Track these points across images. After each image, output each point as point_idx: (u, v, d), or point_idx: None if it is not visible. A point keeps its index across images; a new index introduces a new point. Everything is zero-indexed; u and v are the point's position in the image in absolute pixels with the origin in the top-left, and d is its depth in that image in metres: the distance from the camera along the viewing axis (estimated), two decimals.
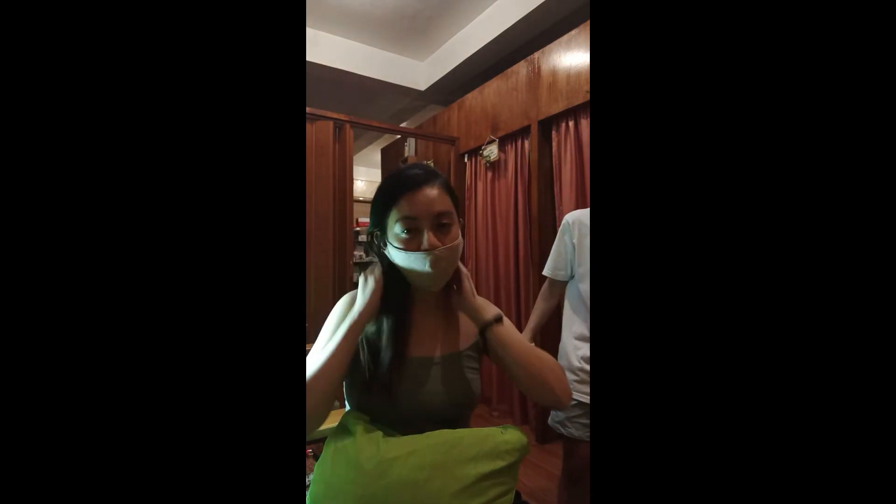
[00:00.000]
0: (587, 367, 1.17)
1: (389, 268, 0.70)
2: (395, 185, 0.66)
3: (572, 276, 1.25)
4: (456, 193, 0.72)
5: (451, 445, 0.59)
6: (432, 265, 0.64)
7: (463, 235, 0.71)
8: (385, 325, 0.68)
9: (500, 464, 0.60)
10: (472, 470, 0.57)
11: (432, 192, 0.65)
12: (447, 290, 0.73)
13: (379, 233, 0.69)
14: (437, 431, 0.62)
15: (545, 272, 1.30)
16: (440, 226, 0.66)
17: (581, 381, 1.17)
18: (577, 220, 1.23)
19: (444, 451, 0.58)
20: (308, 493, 0.60)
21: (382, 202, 0.67)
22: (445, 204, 0.67)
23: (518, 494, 0.72)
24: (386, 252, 0.68)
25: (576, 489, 1.20)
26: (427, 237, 0.64)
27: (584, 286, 1.20)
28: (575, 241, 1.22)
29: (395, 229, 0.66)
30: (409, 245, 0.65)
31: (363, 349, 0.67)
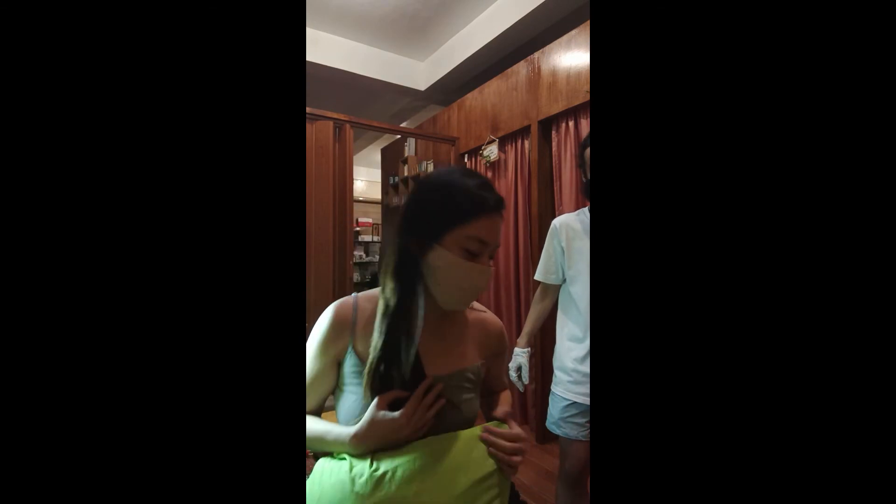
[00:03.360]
0: (580, 367, 1.17)
1: (404, 287, 0.64)
2: (473, 203, 0.61)
3: (563, 280, 1.26)
4: None
5: (439, 454, 0.57)
6: (487, 282, 0.64)
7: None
8: (397, 348, 0.62)
9: (491, 466, 0.58)
10: (463, 477, 0.56)
11: (501, 220, 0.64)
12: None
13: (424, 242, 0.63)
14: (425, 440, 0.59)
15: (537, 277, 1.31)
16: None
17: (574, 382, 1.18)
18: (564, 224, 1.24)
19: (432, 461, 0.56)
20: None
21: (449, 215, 0.62)
22: None
23: (516, 494, 0.72)
24: (426, 259, 0.63)
25: (574, 489, 1.20)
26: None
27: (575, 288, 1.21)
28: (564, 244, 1.23)
29: (457, 245, 0.62)
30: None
31: (370, 372, 0.62)
